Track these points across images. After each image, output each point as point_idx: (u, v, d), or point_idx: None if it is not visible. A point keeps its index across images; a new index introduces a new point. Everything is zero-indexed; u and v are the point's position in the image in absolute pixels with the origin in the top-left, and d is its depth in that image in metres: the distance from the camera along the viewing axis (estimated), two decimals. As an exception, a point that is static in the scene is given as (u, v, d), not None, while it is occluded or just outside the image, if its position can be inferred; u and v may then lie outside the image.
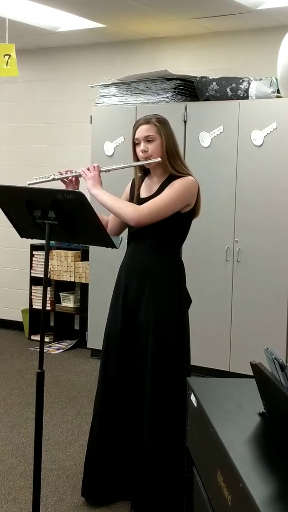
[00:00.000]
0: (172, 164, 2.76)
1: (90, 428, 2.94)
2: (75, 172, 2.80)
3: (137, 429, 2.79)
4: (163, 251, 2.79)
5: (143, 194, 2.84)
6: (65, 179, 2.80)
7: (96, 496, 2.91)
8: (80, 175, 2.79)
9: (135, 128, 2.79)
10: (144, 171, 2.89)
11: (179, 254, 2.88)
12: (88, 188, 2.74)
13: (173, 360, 2.77)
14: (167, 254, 2.80)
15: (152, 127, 2.75)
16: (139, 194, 2.85)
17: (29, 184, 2.72)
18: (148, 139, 2.74)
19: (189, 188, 2.74)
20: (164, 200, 2.70)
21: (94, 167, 2.77)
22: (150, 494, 2.75)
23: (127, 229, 2.89)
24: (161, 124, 2.77)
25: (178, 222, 2.78)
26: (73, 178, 2.81)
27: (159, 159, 2.74)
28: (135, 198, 2.83)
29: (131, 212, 2.68)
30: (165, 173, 2.79)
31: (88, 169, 2.77)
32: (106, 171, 2.82)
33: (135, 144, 2.79)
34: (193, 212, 2.82)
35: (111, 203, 2.71)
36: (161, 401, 2.74)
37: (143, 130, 2.75)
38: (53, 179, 2.75)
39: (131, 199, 2.87)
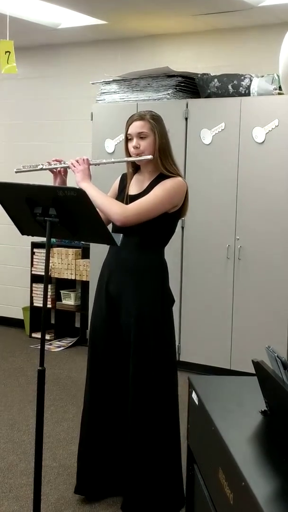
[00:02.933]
0: (163, 163, 2.74)
1: (80, 425, 2.95)
2: (64, 163, 2.77)
3: (125, 426, 2.79)
4: (147, 249, 2.77)
5: (132, 191, 2.82)
6: (53, 170, 2.78)
7: (89, 494, 2.91)
8: (69, 167, 2.77)
9: (129, 124, 2.77)
10: (135, 168, 2.87)
11: (163, 253, 2.86)
12: (77, 181, 2.72)
13: (156, 357, 2.76)
14: (151, 253, 2.79)
15: (146, 124, 2.73)
16: (128, 191, 2.83)
17: (16, 172, 2.71)
18: (141, 136, 2.73)
19: (177, 190, 2.73)
20: (152, 201, 2.68)
21: (83, 160, 2.75)
22: (139, 490, 2.75)
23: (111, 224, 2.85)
24: (155, 121, 2.75)
25: (164, 222, 2.76)
26: (62, 169, 2.79)
27: (150, 156, 2.72)
28: (125, 195, 2.81)
29: (118, 211, 2.66)
30: (155, 171, 2.78)
31: (78, 162, 2.74)
32: (95, 164, 2.81)
33: (127, 139, 2.78)
34: (180, 212, 2.80)
35: (99, 199, 2.67)
36: (146, 398, 2.74)
37: (137, 126, 2.74)
38: (41, 169, 2.72)
39: (119, 194, 2.85)
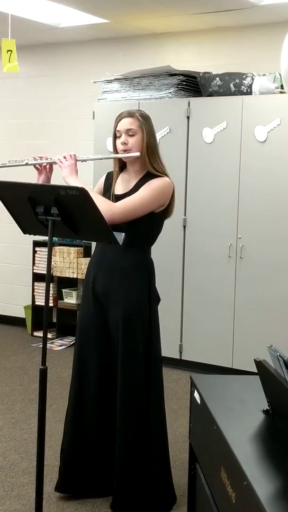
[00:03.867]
0: (150, 161, 2.74)
1: (64, 422, 2.95)
2: (50, 159, 2.76)
3: (112, 424, 2.79)
4: (133, 249, 2.77)
5: (118, 190, 2.81)
6: (37, 166, 2.77)
7: (68, 491, 2.91)
8: (55, 163, 2.76)
9: (118, 120, 2.78)
10: (120, 167, 2.86)
11: (149, 253, 2.86)
12: (64, 176, 2.72)
13: (143, 355, 2.77)
14: (136, 252, 2.79)
15: (135, 121, 2.74)
16: (114, 190, 2.82)
17: (0, 166, 2.69)
18: (129, 133, 2.73)
19: (164, 190, 2.73)
20: (139, 200, 2.69)
21: (70, 155, 2.74)
22: (128, 489, 2.75)
23: None
24: (144, 119, 2.76)
25: (150, 222, 2.77)
26: (47, 166, 2.78)
27: (138, 153, 2.72)
28: (111, 194, 2.81)
29: (105, 209, 2.63)
30: (142, 170, 2.78)
31: (65, 158, 2.74)
32: (82, 160, 2.81)
33: (115, 136, 2.78)
34: (166, 212, 2.81)
35: None
36: (133, 396, 2.74)
37: (126, 123, 2.74)
38: (26, 164, 2.71)
39: (104, 193, 2.85)
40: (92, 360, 2.83)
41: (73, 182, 2.66)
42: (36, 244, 5.76)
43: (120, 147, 2.74)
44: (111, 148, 5.02)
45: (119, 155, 2.76)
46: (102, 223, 2.40)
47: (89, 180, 4.54)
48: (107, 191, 2.85)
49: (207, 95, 4.71)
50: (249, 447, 1.74)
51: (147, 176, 2.76)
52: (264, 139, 4.41)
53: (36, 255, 5.79)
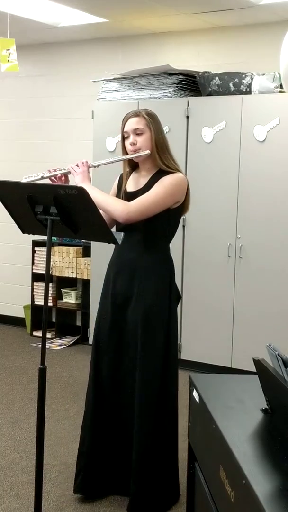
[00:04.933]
0: (161, 158, 2.74)
1: (82, 424, 2.94)
2: (64, 169, 2.77)
3: (129, 425, 2.79)
4: (151, 247, 2.77)
5: (130, 188, 2.82)
6: (53, 177, 2.78)
7: (88, 493, 2.91)
8: (69, 172, 2.76)
9: (124, 121, 2.78)
10: (132, 167, 2.86)
11: (168, 249, 2.86)
12: (76, 183, 2.72)
13: (162, 355, 2.76)
14: (155, 250, 2.79)
15: (141, 120, 2.74)
16: (126, 188, 2.82)
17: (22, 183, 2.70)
18: (137, 132, 2.73)
19: (178, 185, 2.73)
20: (153, 197, 2.68)
21: (83, 163, 2.75)
22: (144, 490, 2.75)
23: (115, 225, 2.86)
24: (150, 117, 2.76)
25: (167, 218, 2.76)
26: (62, 176, 2.79)
27: (148, 151, 2.72)
28: (122, 192, 2.81)
29: (120, 209, 2.66)
30: (154, 167, 2.78)
31: (77, 165, 2.75)
32: (95, 166, 2.81)
33: (124, 137, 2.78)
34: (182, 208, 2.81)
35: (100, 198, 2.67)
36: (151, 396, 2.74)
37: (132, 123, 2.74)
38: (42, 177, 2.72)
39: (118, 194, 2.85)
40: (108, 359, 2.82)
41: (86, 188, 2.66)
42: (36, 243, 5.76)
43: (129, 147, 2.75)
44: (110, 148, 5.09)
45: (129, 156, 2.76)
46: (101, 222, 2.40)
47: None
48: (119, 191, 2.86)
49: (206, 95, 4.71)
50: (247, 446, 1.74)
51: (159, 173, 2.75)
52: (263, 139, 4.41)
53: (35, 255, 5.79)
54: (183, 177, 2.76)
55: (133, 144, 2.73)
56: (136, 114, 2.76)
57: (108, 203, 2.69)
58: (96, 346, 2.88)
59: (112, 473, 2.88)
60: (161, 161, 2.74)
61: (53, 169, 2.78)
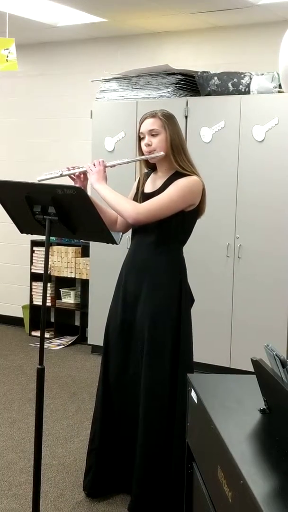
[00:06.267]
0: (177, 160, 2.73)
1: (92, 422, 2.94)
2: (82, 168, 2.78)
3: (136, 426, 2.79)
4: (164, 248, 2.77)
5: (147, 189, 2.82)
6: (72, 175, 2.78)
7: (98, 491, 2.91)
8: (86, 171, 2.77)
9: (141, 122, 2.78)
10: (151, 167, 2.87)
11: (181, 252, 2.85)
12: (91, 182, 2.73)
13: (170, 358, 2.75)
14: (168, 252, 2.78)
15: (156, 121, 2.73)
16: (143, 189, 2.83)
17: (39, 181, 2.69)
18: (152, 133, 2.73)
19: (191, 189, 2.71)
20: (164, 200, 2.67)
21: (99, 162, 2.76)
22: (146, 491, 2.75)
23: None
24: (167, 118, 2.75)
25: (181, 221, 2.76)
26: (81, 175, 2.79)
27: (162, 153, 2.71)
28: (139, 193, 2.82)
29: (130, 210, 2.66)
30: (170, 169, 2.77)
31: (94, 164, 2.76)
32: (111, 166, 2.81)
33: (140, 138, 2.78)
34: (197, 211, 2.79)
35: (111, 198, 2.69)
36: (156, 397, 2.73)
37: (148, 124, 2.74)
38: (61, 175, 2.72)
39: (136, 195, 2.85)
40: (117, 358, 2.82)
41: (100, 188, 2.69)
42: (34, 243, 5.76)
43: (144, 148, 2.74)
44: (109, 148, 5.09)
45: (144, 157, 2.76)
46: (100, 222, 2.40)
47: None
48: (138, 192, 2.86)
49: (205, 95, 4.71)
50: (245, 446, 1.73)
51: (175, 176, 2.74)
52: (262, 139, 4.41)
53: (34, 254, 5.79)
54: (198, 180, 2.73)
55: (147, 145, 2.73)
56: (152, 115, 2.75)
57: (119, 203, 2.69)
58: (105, 345, 2.89)
59: (120, 471, 2.89)
60: (176, 163, 2.73)
61: (72, 167, 2.78)
